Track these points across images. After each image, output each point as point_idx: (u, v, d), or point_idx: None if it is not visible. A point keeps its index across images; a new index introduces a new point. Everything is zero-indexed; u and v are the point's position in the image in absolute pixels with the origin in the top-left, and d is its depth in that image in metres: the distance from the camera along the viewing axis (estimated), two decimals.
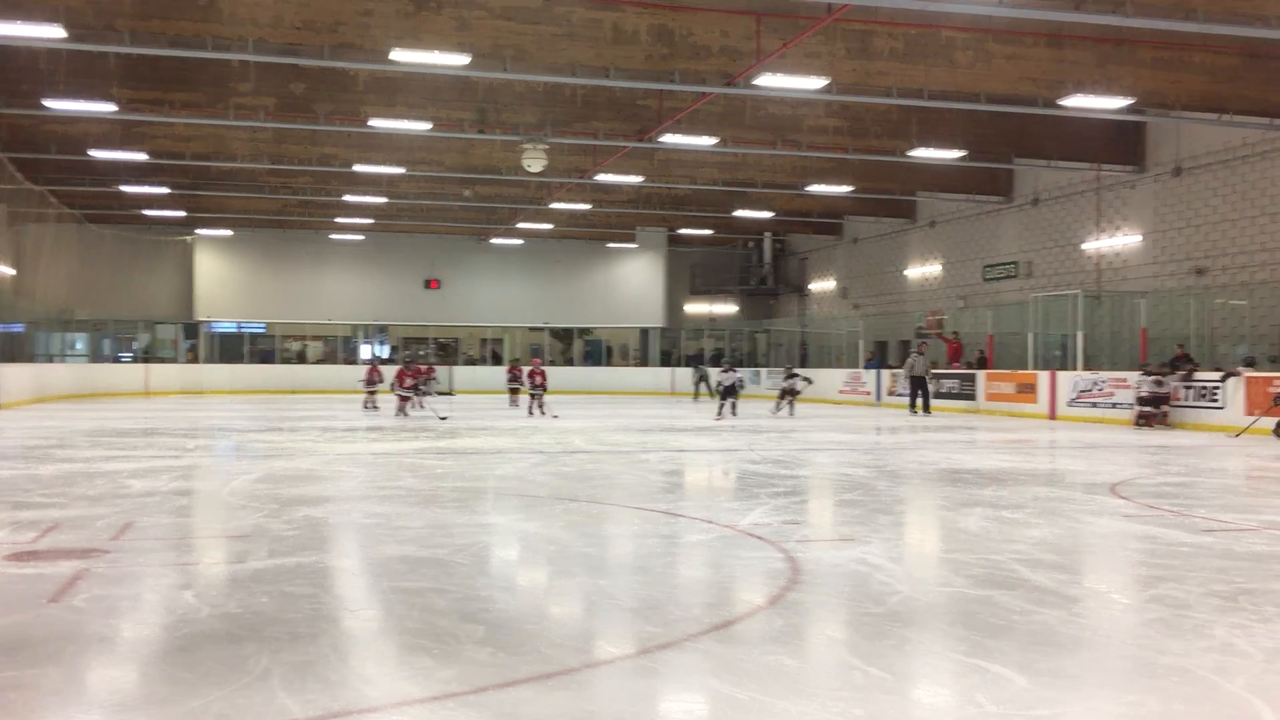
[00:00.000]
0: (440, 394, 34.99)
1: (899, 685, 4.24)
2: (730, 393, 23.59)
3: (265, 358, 39.99)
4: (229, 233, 38.34)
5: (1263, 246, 21.47)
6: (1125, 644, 4.96)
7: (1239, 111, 19.92)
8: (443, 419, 21.00)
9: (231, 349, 39.67)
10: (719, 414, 22.99)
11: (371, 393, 25.65)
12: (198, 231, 38.21)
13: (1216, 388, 19.23)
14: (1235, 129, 21.14)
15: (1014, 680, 4.24)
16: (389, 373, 25.76)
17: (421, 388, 24.00)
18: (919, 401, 25.23)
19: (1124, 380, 21.23)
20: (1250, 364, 19.42)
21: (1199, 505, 9.44)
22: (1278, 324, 20.78)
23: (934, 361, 26.32)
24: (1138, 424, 19.92)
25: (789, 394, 24.35)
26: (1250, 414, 17.98)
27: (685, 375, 39.36)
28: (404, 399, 23.06)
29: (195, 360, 38.91)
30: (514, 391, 27.28)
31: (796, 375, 25.06)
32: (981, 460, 13.70)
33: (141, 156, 24.84)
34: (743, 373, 26.28)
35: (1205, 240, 22.94)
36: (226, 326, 39.70)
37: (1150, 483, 11.22)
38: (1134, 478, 11.61)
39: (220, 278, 39.30)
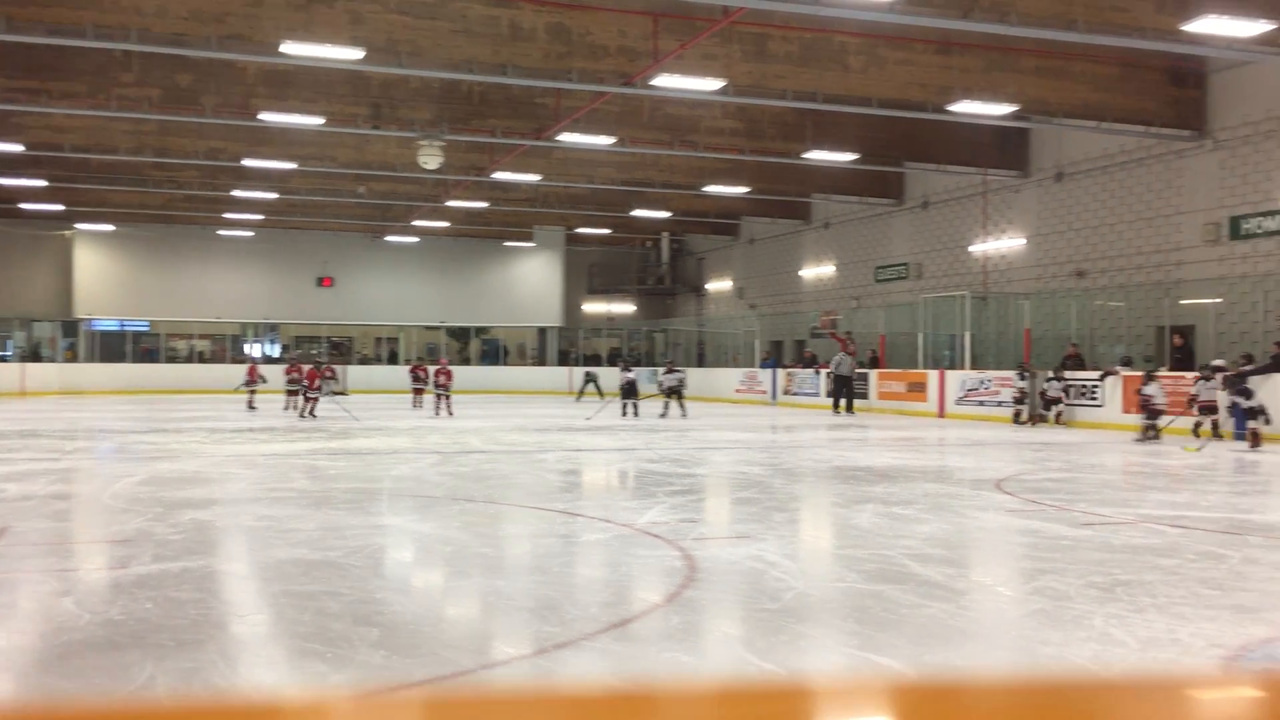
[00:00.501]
0: (336, 394, 34.40)
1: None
2: (631, 392, 23.37)
3: (149, 357, 38.74)
4: (111, 228, 37.04)
5: (1138, 250, 22.33)
6: (1009, 635, 5.12)
7: (1117, 119, 20.69)
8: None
9: (113, 348, 38.33)
10: (623, 413, 22.84)
11: (252, 393, 24.97)
12: (77, 226, 36.82)
13: (1096, 386, 19.94)
14: (1113, 136, 21.94)
15: (904, 674, 4.34)
16: (275, 373, 25.25)
17: (321, 387, 23.38)
18: (843, 402, 24.97)
19: (1008, 379, 21.87)
20: (1127, 363, 20.19)
21: (1079, 500, 9.78)
22: (1153, 325, 21.64)
23: (859, 362, 25.98)
24: (1019, 421, 20.59)
25: (674, 393, 23.65)
26: (1127, 411, 18.69)
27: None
28: (312, 400, 22.29)
29: (75, 359, 37.50)
30: (418, 391, 26.71)
31: (678, 371, 24.66)
32: (873, 458, 13.99)
33: (17, 148, 23.88)
34: (638, 372, 25.59)
35: (1085, 243, 23.77)
36: (108, 324, 38.35)
37: (1033, 478, 11.59)
38: (1018, 474, 11.97)
39: (101, 274, 37.93)
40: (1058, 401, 20.28)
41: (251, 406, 24.56)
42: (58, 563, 6.72)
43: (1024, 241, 25.55)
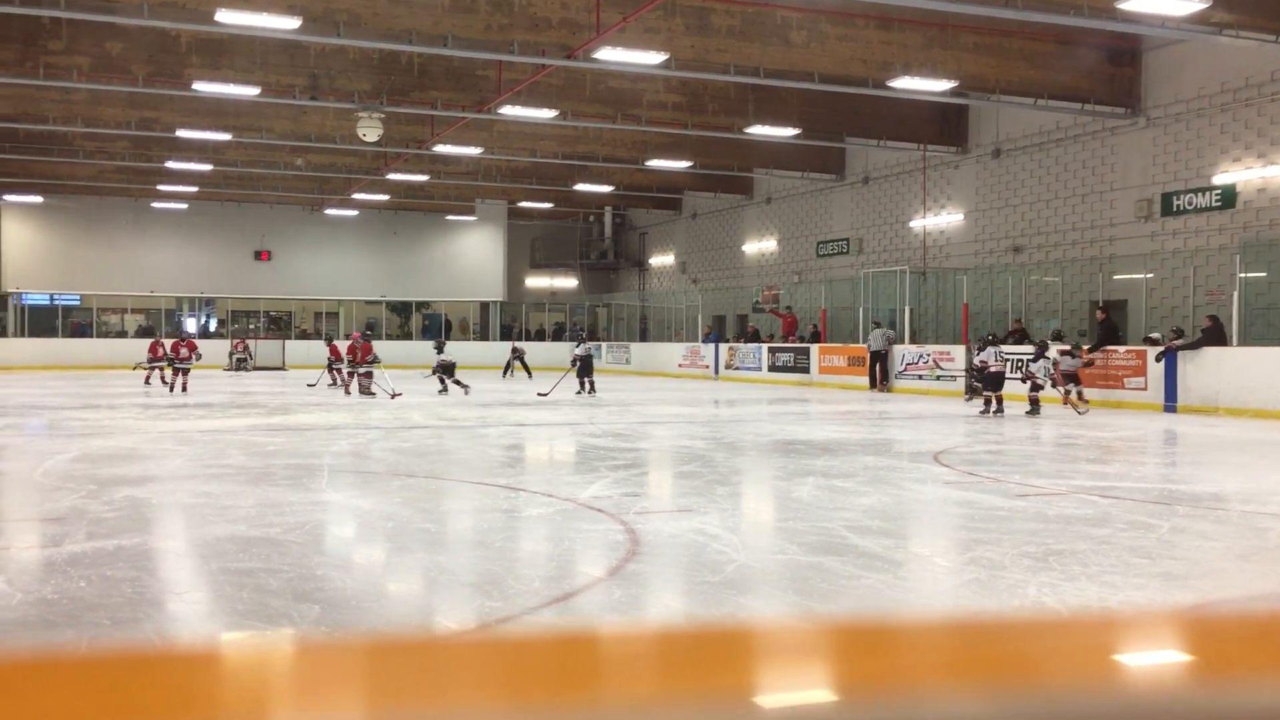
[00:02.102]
0: (269, 368, 33.95)
1: None
2: (586, 368, 22.32)
3: (81, 331, 37.92)
4: (39, 199, 36.11)
5: (1073, 226, 22.70)
6: (944, 604, 5.21)
7: (1054, 96, 20.97)
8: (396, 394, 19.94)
9: (43, 322, 37.45)
10: (579, 389, 21.91)
11: (152, 369, 22.66)
12: (4, 198, 35.85)
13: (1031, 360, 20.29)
14: (1050, 113, 22.24)
15: (837, 615, 4.40)
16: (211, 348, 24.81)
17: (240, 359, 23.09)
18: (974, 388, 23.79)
19: (948, 353, 22.16)
20: (1058, 337, 20.57)
21: (1014, 471, 9.96)
22: (1088, 300, 22.04)
23: (891, 338, 24.17)
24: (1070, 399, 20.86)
25: (584, 368, 22.23)
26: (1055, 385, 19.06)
27: (531, 351, 39.16)
28: (353, 376, 21.44)
29: (3, 334, 36.60)
30: (333, 370, 24.68)
31: (589, 341, 23.89)
32: (814, 431, 14.12)
33: None
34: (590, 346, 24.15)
35: (1022, 220, 24.11)
36: (38, 298, 37.47)
37: (970, 451, 11.78)
38: (955, 446, 12.17)
39: (30, 247, 36.99)
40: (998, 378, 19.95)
41: (147, 382, 22.59)
42: None
43: (962, 217, 25.86)
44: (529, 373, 30.18)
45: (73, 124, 24.40)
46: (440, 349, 22.67)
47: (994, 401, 16.97)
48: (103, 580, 5.30)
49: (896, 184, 28.01)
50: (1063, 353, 17.38)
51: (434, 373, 22.42)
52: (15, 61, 19.11)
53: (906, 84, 19.24)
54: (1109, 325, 19.42)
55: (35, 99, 22.69)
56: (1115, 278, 21.50)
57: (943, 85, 19.45)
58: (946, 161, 26.12)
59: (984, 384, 17.36)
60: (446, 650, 0.79)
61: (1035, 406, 16.77)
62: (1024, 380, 17.44)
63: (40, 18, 18.06)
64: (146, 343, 24.46)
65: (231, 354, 33.81)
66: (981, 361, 17.47)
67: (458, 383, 21.61)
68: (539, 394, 21.14)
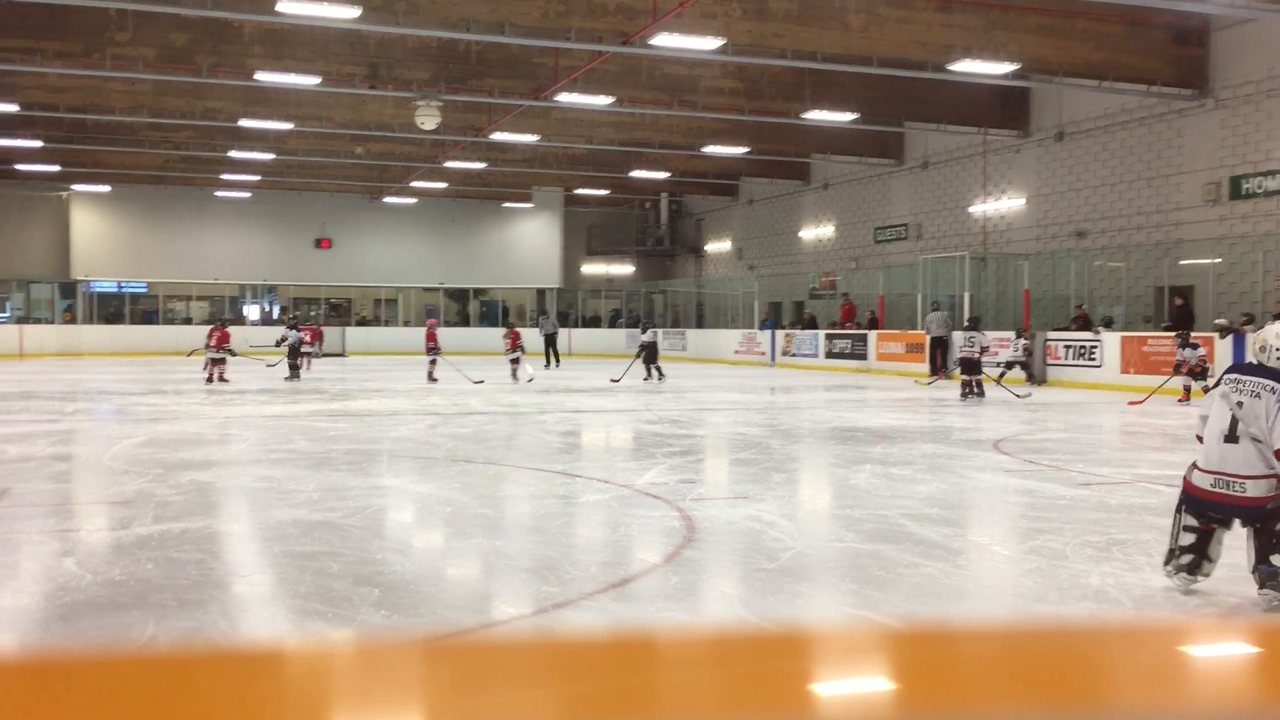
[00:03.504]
0: (330, 355, 34.41)
1: None
2: (652, 355, 22.34)
3: (148, 318, 38.68)
4: (107, 189, 36.86)
5: (1139, 210, 22.25)
6: (1005, 594, 5.16)
7: (1119, 79, 20.53)
8: (530, 380, 20.27)
9: (112, 309, 38.28)
10: (660, 376, 21.94)
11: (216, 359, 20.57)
12: (74, 187, 36.64)
13: (1094, 346, 19.97)
14: (1115, 95, 21.79)
15: (897, 624, 4.37)
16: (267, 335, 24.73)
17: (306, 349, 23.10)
18: (950, 368, 22.90)
19: (1008, 340, 21.87)
20: (1108, 324, 20.33)
21: (1077, 460, 9.81)
22: (1152, 285, 21.61)
23: (948, 322, 23.58)
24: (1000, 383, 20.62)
25: (650, 354, 22.28)
26: (1125, 372, 18.77)
27: (588, 338, 39.27)
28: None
29: (73, 321, 37.45)
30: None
31: (653, 328, 24.08)
32: (872, 419, 14.02)
33: (12, 108, 23.70)
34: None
35: (1086, 204, 23.68)
36: (106, 286, 38.26)
37: (1031, 439, 11.62)
38: (1016, 434, 12.01)
39: (99, 235, 37.79)
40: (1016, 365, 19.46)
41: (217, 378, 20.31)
42: (59, 524, 6.75)
43: (1024, 202, 25.46)
44: (556, 360, 28.90)
45: (139, 114, 24.85)
46: (645, 329, 23.05)
47: (973, 385, 17.14)
48: (169, 562, 5.41)
49: (956, 168, 27.65)
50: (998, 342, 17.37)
51: (648, 361, 22.30)
52: (83, 53, 19.50)
53: (967, 67, 18.96)
54: (1185, 311, 19.07)
55: (102, 90, 23.13)
56: (1181, 263, 21.05)
57: (1004, 68, 19.13)
58: (1008, 145, 25.71)
59: (962, 368, 17.45)
60: (497, 653, 0.79)
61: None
62: None
63: (107, 10, 18.39)
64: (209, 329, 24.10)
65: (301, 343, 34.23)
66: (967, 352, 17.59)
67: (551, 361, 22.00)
68: (611, 380, 21.39)
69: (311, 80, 20.70)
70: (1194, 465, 5.04)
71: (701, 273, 41.75)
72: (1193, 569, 4.93)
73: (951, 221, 27.88)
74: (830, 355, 27.78)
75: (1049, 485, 8.17)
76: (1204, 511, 4.93)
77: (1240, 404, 4.79)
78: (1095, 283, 23.17)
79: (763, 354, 30.95)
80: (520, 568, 5.54)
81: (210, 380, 19.87)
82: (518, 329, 23.19)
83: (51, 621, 4.43)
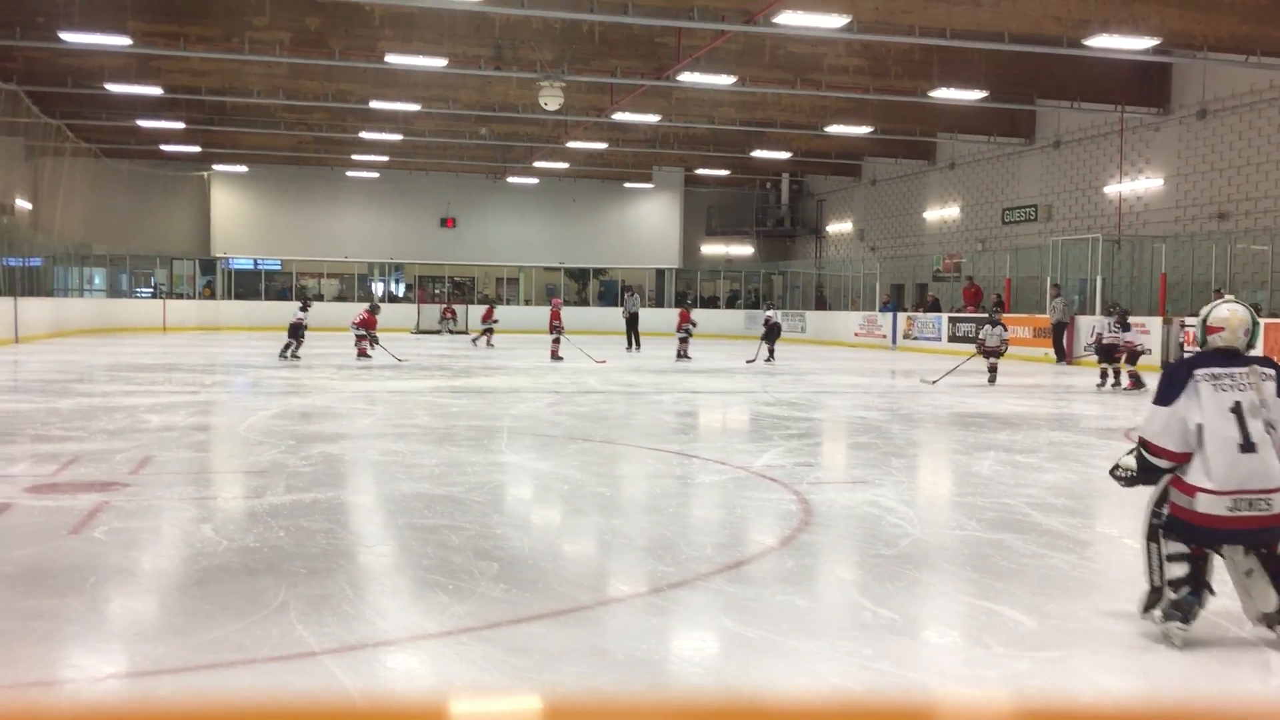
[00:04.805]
0: (455, 332, 35.11)
1: (908, 626, 4.28)
2: (774, 335, 22.23)
3: (281, 295, 40.03)
4: (244, 169, 38.23)
5: None
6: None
7: (1267, 53, 19.55)
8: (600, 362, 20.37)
9: (247, 285, 39.72)
10: (769, 357, 21.83)
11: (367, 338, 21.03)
12: (214, 167, 38.10)
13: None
14: (1262, 71, 20.74)
15: (1023, 623, 4.28)
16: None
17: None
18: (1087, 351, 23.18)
19: (1143, 325, 21.10)
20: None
21: None
22: None
23: (1070, 306, 23.06)
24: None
25: (773, 334, 22.21)
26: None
27: (706, 319, 39.24)
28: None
29: (212, 296, 39.01)
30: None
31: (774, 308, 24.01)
32: (995, 405, 13.69)
33: (157, 91, 24.69)
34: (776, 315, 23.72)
35: (1229, 184, 22.64)
36: (243, 263, 39.72)
37: None
38: None
39: (236, 214, 39.24)
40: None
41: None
42: (197, 491, 7.05)
43: (1162, 182, 24.48)
44: (638, 341, 27.92)
45: (274, 96, 25.66)
46: (769, 308, 23.20)
47: (1110, 373, 16.45)
48: (299, 531, 5.61)
49: (1090, 147, 26.71)
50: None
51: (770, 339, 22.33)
52: (222, 38, 20.22)
53: (1104, 42, 18.27)
54: None
55: (240, 73, 23.94)
56: None
57: (1144, 43, 18.38)
58: (1146, 123, 24.73)
59: (1100, 355, 16.77)
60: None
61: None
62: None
63: None
64: (346, 306, 24.53)
65: (442, 320, 35.30)
66: (1096, 334, 16.96)
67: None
68: (747, 360, 21.45)
69: (439, 62, 21.07)
70: (1186, 488, 4.05)
71: (822, 254, 41.27)
72: (1187, 609, 4.01)
73: (1083, 202, 26.98)
74: (953, 339, 27.22)
75: None
76: (1212, 542, 4.03)
77: (1239, 403, 3.99)
78: (1238, 267, 22.16)
79: (883, 337, 30.49)
80: (636, 546, 5.58)
81: (360, 355, 20.79)
82: (688, 310, 23.44)
83: (190, 585, 4.64)
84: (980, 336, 17.95)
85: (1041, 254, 26.42)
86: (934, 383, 16.38)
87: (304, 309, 21.71)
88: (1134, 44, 18.42)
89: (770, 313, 22.86)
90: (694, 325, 23.02)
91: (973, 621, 4.35)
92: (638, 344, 25.56)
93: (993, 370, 17.46)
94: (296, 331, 20.88)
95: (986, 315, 19.22)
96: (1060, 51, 19.49)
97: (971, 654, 3.95)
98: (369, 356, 20.34)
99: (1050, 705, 3.32)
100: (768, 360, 21.58)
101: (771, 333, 22.30)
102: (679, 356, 22.22)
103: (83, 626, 4.09)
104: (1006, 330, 17.91)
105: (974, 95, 23.44)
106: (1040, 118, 28.21)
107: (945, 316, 28.16)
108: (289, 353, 20.58)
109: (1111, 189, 25.94)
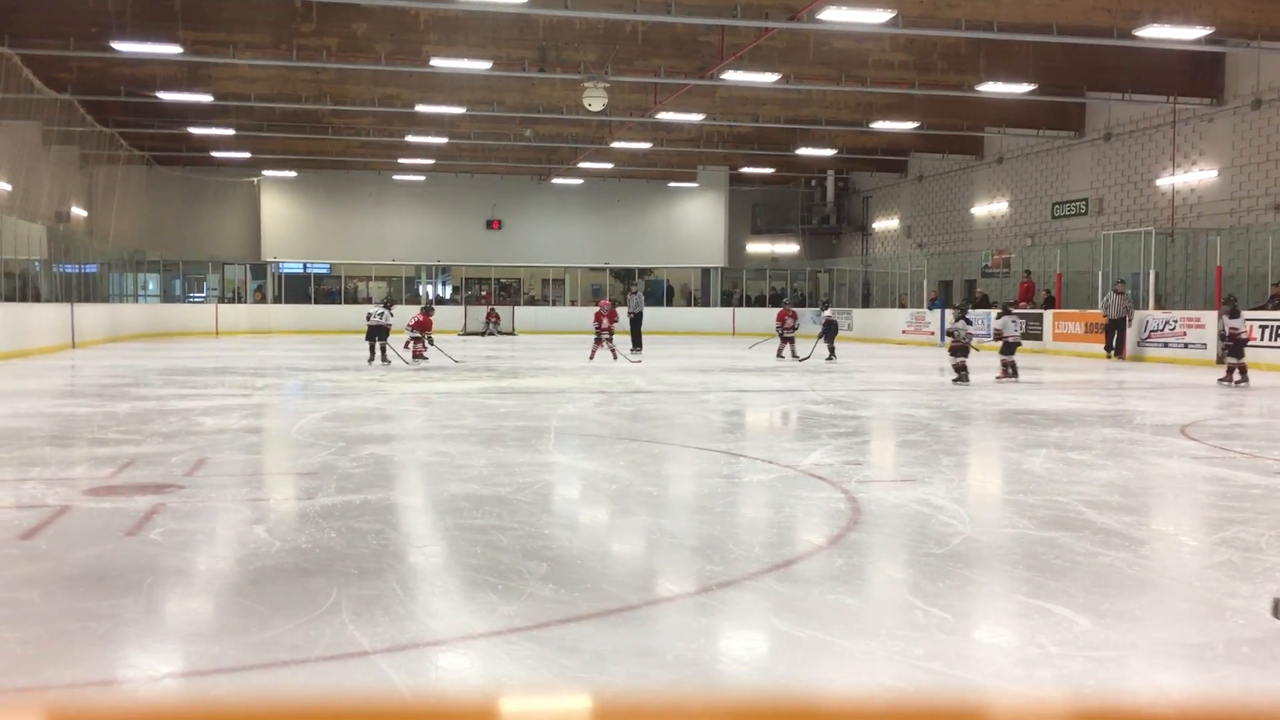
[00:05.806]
0: (503, 334, 35.29)
1: (960, 625, 4.23)
2: (832, 333, 22.01)
3: (330, 298, 40.48)
4: (293, 174, 38.69)
5: None
6: (1192, 586, 4.90)
7: None
8: (633, 358, 20.12)
9: (297, 289, 40.20)
10: (830, 355, 21.67)
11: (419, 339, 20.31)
12: (264, 173, 38.61)
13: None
14: None
15: (1077, 622, 4.21)
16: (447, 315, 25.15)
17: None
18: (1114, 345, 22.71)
19: (1197, 319, 20.74)
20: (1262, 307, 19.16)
21: (1273, 447, 9.24)
22: None
23: (1129, 304, 22.50)
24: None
25: (830, 332, 22.00)
26: None
27: (752, 317, 39.15)
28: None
29: (263, 300, 39.52)
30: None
31: (831, 306, 23.85)
32: (1047, 401, 13.52)
33: (207, 98, 25.07)
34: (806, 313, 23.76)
35: None
36: (292, 267, 40.21)
37: (1222, 424, 11.01)
38: (1205, 419, 11.39)
39: (286, 219, 39.73)
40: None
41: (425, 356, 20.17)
42: (250, 492, 7.14)
43: (1216, 174, 24.05)
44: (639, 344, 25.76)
45: (322, 102, 25.95)
46: (825, 307, 22.80)
47: (1236, 371, 15.64)
48: (350, 532, 5.66)
49: (1142, 139, 26.31)
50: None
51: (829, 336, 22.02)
52: (271, 45, 20.48)
53: (1155, 33, 17.99)
54: None
55: (289, 79, 24.24)
56: None
57: (1197, 33, 18.07)
58: (1199, 114, 24.31)
59: (1230, 351, 15.93)
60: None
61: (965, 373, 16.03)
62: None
63: (293, 2, 19.24)
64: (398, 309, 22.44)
65: (486, 322, 35.45)
66: (1232, 329, 15.90)
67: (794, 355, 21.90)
68: (800, 359, 21.37)
69: (483, 65, 21.20)
70: None
71: (868, 251, 41.00)
72: None
73: (1135, 195, 26.57)
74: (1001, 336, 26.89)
75: (1241, 473, 7.72)
76: None
77: None
78: None
79: (931, 334, 30.22)
80: (684, 546, 5.57)
81: (416, 357, 19.92)
82: (790, 309, 22.73)
83: (244, 585, 4.69)
84: (997, 326, 17.24)
85: (1092, 248, 26.06)
86: (954, 381, 15.91)
87: (388, 308, 19.88)
88: (1186, 34, 18.13)
89: (828, 311, 22.57)
90: (796, 322, 22.17)
91: (1026, 620, 4.29)
92: (639, 346, 24.24)
93: (1007, 366, 16.67)
94: (381, 333, 19.54)
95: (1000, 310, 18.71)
96: (1110, 43, 19.22)
97: (1025, 653, 3.90)
98: (425, 358, 20.32)
99: (1107, 705, 3.27)
100: (828, 359, 21.40)
101: (829, 330, 22.06)
102: (796, 357, 21.54)
103: (140, 627, 4.16)
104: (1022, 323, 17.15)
105: (1022, 89, 23.18)
106: (1090, 110, 27.83)
107: (994, 312, 27.81)
108: (380, 357, 19.49)
109: (1164, 181, 25.53)
